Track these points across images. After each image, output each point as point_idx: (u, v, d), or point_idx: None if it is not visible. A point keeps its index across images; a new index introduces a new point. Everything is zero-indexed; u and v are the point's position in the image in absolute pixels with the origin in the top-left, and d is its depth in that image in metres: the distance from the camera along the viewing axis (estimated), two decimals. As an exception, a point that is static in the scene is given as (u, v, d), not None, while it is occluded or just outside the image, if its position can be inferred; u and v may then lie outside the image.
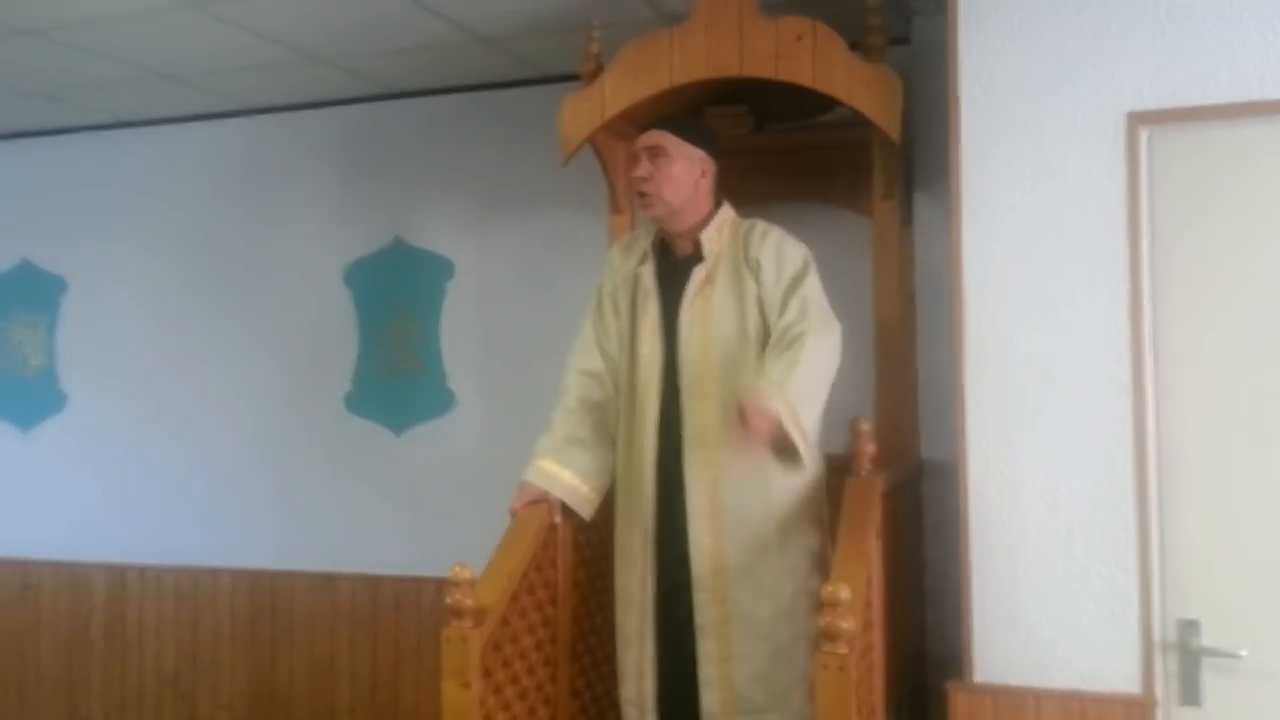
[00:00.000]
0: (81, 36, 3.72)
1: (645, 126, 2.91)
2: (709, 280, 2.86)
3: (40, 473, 4.98)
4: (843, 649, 2.27)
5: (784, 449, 2.69)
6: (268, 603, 4.55)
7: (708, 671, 2.81)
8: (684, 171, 2.85)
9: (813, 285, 2.82)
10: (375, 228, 4.44)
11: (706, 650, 2.81)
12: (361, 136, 4.48)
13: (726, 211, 2.95)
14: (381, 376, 4.44)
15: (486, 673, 2.58)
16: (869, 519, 2.63)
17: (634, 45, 3.15)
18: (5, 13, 3.48)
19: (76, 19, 3.55)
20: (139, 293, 4.82)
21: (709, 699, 2.81)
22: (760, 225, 2.91)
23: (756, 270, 2.82)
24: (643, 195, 2.86)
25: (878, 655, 2.64)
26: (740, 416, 2.61)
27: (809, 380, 2.69)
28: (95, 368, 4.90)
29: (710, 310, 2.84)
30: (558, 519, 2.90)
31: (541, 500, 2.89)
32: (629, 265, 2.99)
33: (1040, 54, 2.70)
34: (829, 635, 2.26)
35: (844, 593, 2.27)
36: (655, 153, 2.85)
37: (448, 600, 2.52)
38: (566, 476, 2.91)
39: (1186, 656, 2.61)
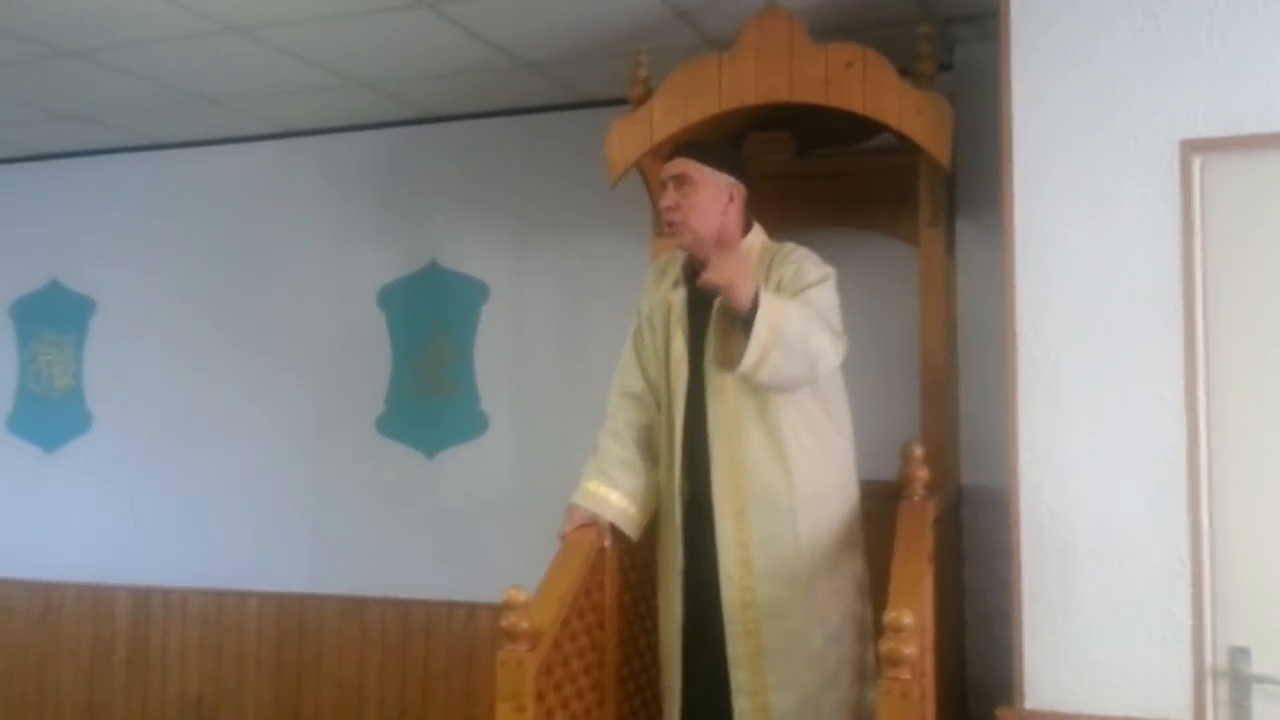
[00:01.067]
0: (126, 59, 3.75)
1: (669, 155, 2.92)
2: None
3: (65, 494, 4.96)
4: (906, 674, 2.25)
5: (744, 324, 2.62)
6: (296, 627, 4.53)
7: (741, 704, 2.80)
8: (711, 199, 2.83)
9: (821, 292, 2.78)
10: (410, 250, 4.46)
11: (739, 682, 2.80)
12: (397, 159, 4.50)
13: (757, 236, 2.93)
14: (414, 399, 4.44)
15: (539, 696, 2.56)
16: (923, 544, 2.63)
17: (683, 70, 3.17)
18: (55, 35, 3.51)
19: (125, 41, 3.58)
20: (168, 314, 4.83)
21: None
22: (788, 247, 2.91)
23: (777, 286, 2.79)
24: (670, 225, 2.85)
25: (930, 682, 2.62)
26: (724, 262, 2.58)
27: (798, 328, 2.63)
28: (122, 389, 4.91)
29: (730, 336, 2.79)
30: (607, 542, 2.90)
31: (590, 524, 2.88)
32: (662, 289, 3.00)
33: (1093, 81, 2.71)
34: (892, 661, 2.25)
35: (907, 618, 2.26)
36: (681, 181, 2.83)
37: (503, 623, 2.50)
38: (615, 498, 2.90)
39: (1237, 683, 2.59)
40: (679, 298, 2.91)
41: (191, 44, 3.59)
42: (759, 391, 2.76)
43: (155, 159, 4.87)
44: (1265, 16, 2.59)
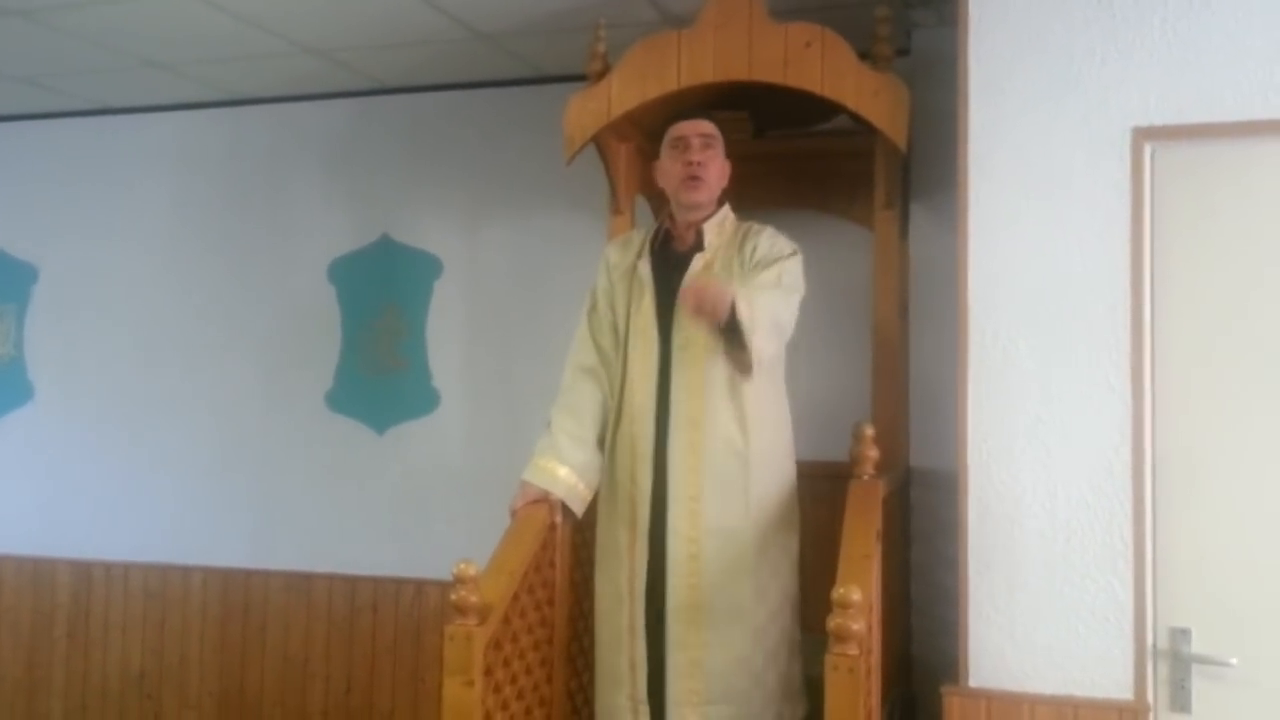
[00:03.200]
0: (70, 20, 3.65)
1: (682, 115, 2.97)
2: (708, 266, 2.92)
3: (4, 465, 4.86)
4: (853, 650, 2.27)
5: (731, 331, 2.70)
6: (240, 601, 4.47)
7: (676, 658, 2.80)
8: (723, 167, 2.99)
9: (793, 264, 2.90)
10: (362, 224, 4.41)
11: (676, 635, 2.81)
12: (350, 131, 4.44)
13: (727, 210, 3.03)
14: (365, 374, 4.39)
15: (488, 671, 2.56)
16: (872, 522, 2.65)
17: (642, 46, 3.15)
18: (-5, -8, 3.42)
19: (69, 2, 3.48)
20: (113, 283, 4.74)
21: (676, 687, 2.80)
22: (757, 225, 3.01)
23: (750, 254, 2.91)
24: (695, 179, 2.91)
25: (876, 658, 2.65)
26: (696, 288, 2.66)
27: (770, 311, 2.75)
28: (65, 359, 4.81)
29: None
30: (558, 519, 2.89)
31: (542, 500, 2.87)
32: (626, 259, 3.04)
33: (1047, 68, 2.74)
34: (840, 636, 2.27)
35: (855, 594, 2.28)
36: (708, 141, 2.94)
37: (452, 597, 2.49)
38: (563, 473, 2.90)
39: (1178, 664, 2.65)
40: (645, 264, 2.98)
41: (138, 5, 3.50)
42: (726, 357, 2.81)
43: (101, 124, 4.77)
44: (1217, 7, 2.63)
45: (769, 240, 2.93)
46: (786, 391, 3.00)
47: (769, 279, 2.83)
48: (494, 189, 4.26)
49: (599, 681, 2.96)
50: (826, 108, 3.12)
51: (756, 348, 2.70)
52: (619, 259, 3.06)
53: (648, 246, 3.02)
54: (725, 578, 2.81)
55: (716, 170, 2.95)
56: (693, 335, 2.84)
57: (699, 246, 2.94)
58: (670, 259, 2.97)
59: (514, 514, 2.86)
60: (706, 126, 2.95)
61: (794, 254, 2.92)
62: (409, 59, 4.00)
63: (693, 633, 2.80)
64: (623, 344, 2.97)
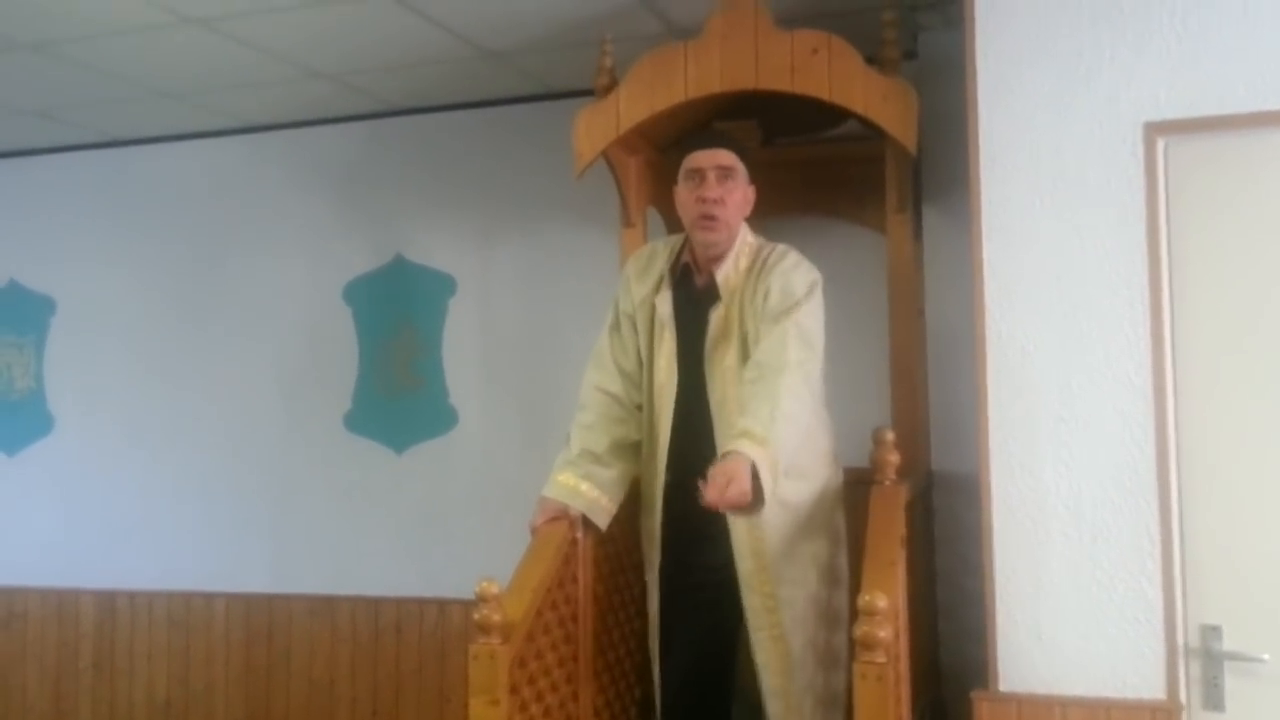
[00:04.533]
0: (82, 52, 3.68)
1: (694, 144, 2.87)
2: (725, 333, 2.80)
3: (27, 497, 4.89)
4: (881, 658, 2.25)
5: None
6: (264, 627, 4.48)
7: (751, 600, 2.77)
8: (745, 196, 2.85)
9: (808, 311, 2.73)
10: (376, 245, 4.43)
11: (747, 578, 2.76)
12: (362, 153, 4.46)
13: (745, 235, 2.88)
14: (382, 395, 4.40)
15: (513, 689, 2.54)
16: (896, 528, 2.63)
17: (648, 58, 3.15)
18: (10, 27, 3.45)
19: (79, 34, 3.52)
20: (131, 313, 4.76)
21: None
22: (779, 250, 2.84)
23: (764, 300, 2.75)
24: (711, 218, 2.77)
25: (904, 666, 2.63)
26: (714, 482, 2.47)
27: (788, 423, 2.58)
28: (84, 389, 4.83)
29: (730, 354, 2.79)
30: (579, 534, 2.88)
31: (562, 516, 2.86)
32: (644, 289, 2.94)
33: (1056, 66, 2.73)
34: (867, 644, 2.25)
35: (881, 601, 2.26)
36: (726, 174, 2.80)
37: (475, 616, 2.48)
38: (585, 489, 2.88)
39: (1209, 662, 2.62)
40: (665, 301, 2.87)
41: (149, 37, 3.53)
42: None
43: (114, 156, 4.80)
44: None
45: (781, 280, 2.75)
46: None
47: (773, 359, 2.64)
48: (505, 206, 4.27)
49: None
50: (835, 114, 3.12)
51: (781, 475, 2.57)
52: (638, 285, 2.95)
53: (667, 277, 2.90)
54: (767, 601, 2.77)
55: (736, 202, 2.79)
56: (725, 365, 2.78)
57: (715, 293, 2.82)
58: (690, 295, 2.87)
59: (534, 531, 2.85)
60: (725, 157, 2.79)
61: (809, 293, 2.74)
62: (418, 80, 4.02)
63: (764, 578, 2.77)
64: (647, 369, 2.92)
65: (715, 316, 2.82)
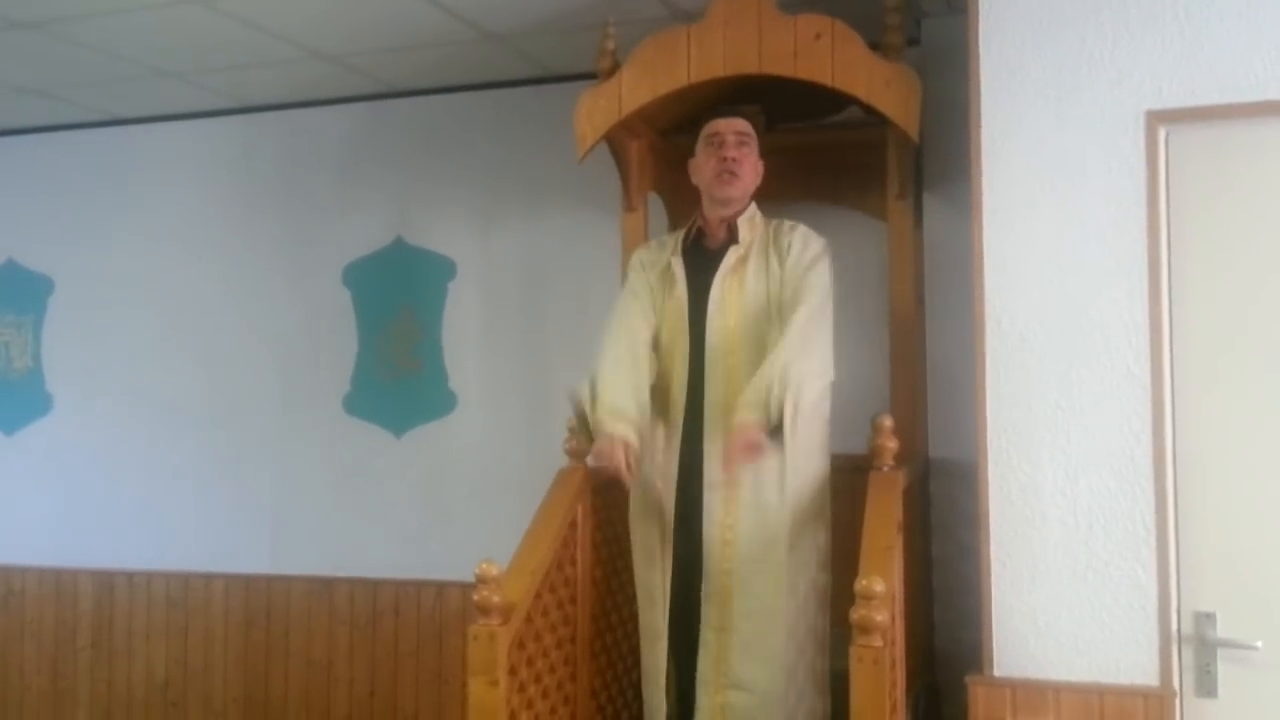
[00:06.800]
0: (81, 30, 3.67)
1: (720, 113, 3.02)
2: (743, 261, 2.97)
3: (25, 477, 4.88)
4: (877, 641, 2.28)
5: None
6: (263, 607, 4.49)
7: (706, 636, 2.84)
8: (757, 166, 3.04)
9: (818, 279, 2.93)
10: (376, 227, 4.41)
11: (708, 616, 2.85)
12: (362, 135, 4.45)
13: (755, 208, 3.06)
14: (381, 378, 4.40)
15: (512, 670, 2.56)
16: (893, 513, 2.65)
17: (651, 42, 3.15)
18: (8, 5, 3.43)
19: (78, 13, 3.50)
20: (129, 293, 4.75)
21: (703, 663, 2.83)
22: (789, 222, 3.05)
23: (785, 252, 2.96)
24: (730, 174, 2.95)
25: (900, 650, 2.65)
26: (731, 447, 2.73)
27: (816, 359, 2.82)
28: (83, 369, 4.82)
29: (744, 287, 2.95)
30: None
31: (626, 446, 2.84)
32: (660, 258, 3.08)
33: (1059, 53, 2.73)
34: (864, 628, 2.27)
35: (878, 585, 2.28)
36: (743, 139, 2.99)
37: (475, 597, 2.50)
38: (633, 414, 2.89)
39: (1203, 648, 2.64)
40: (679, 261, 3.04)
41: (149, 15, 3.52)
42: (762, 346, 2.85)
43: (113, 135, 4.78)
44: (1229, -12, 2.61)
45: (801, 242, 2.96)
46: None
47: (801, 319, 2.84)
48: (506, 189, 4.26)
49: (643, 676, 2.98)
50: (838, 99, 3.12)
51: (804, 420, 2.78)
52: (652, 258, 3.11)
53: (680, 244, 3.07)
54: (756, 566, 2.81)
55: (750, 167, 2.99)
56: (726, 327, 2.90)
57: (732, 241, 2.98)
58: (703, 255, 3.02)
59: (608, 465, 2.82)
60: (742, 125, 2.99)
61: (822, 255, 2.96)
62: (419, 62, 4.01)
63: (724, 617, 2.82)
64: (663, 321, 3.02)
65: (731, 253, 2.98)
